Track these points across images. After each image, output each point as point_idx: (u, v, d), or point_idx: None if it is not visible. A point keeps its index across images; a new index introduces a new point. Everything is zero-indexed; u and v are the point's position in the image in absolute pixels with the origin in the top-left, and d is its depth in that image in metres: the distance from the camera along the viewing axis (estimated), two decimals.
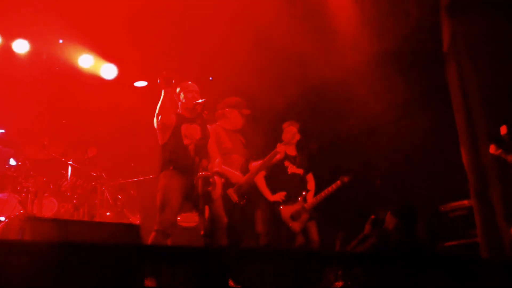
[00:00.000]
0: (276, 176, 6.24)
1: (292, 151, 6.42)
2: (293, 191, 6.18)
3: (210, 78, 8.55)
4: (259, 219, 8.28)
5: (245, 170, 5.88)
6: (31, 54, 7.58)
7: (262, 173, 6.19)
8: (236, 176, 5.53)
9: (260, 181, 6.20)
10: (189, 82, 5.18)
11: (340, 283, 5.17)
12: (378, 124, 7.90)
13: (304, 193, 6.23)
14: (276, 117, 7.98)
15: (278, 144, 5.84)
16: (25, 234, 4.81)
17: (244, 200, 5.50)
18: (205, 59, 7.85)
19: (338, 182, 6.23)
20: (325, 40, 7.24)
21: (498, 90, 5.53)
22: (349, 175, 6.26)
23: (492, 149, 5.07)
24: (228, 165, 5.50)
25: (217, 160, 5.15)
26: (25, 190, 6.59)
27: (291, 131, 6.34)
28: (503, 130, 4.94)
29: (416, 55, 6.96)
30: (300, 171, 6.35)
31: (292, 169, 6.29)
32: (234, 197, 5.48)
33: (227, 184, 5.43)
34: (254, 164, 5.90)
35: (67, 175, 7.13)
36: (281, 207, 6.06)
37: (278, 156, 5.82)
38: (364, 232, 5.75)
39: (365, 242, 5.82)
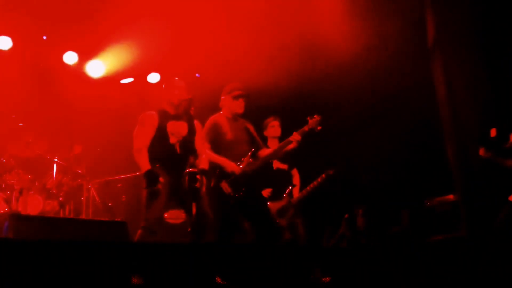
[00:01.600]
0: (261, 172, 6.20)
1: (276, 146, 6.37)
2: (279, 186, 6.15)
3: (197, 75, 8.53)
4: None
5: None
6: (14, 50, 7.50)
7: None
8: (231, 165, 5.12)
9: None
10: (176, 78, 5.13)
11: (327, 278, 5.19)
12: (364, 118, 7.94)
13: (290, 188, 6.21)
14: (264, 112, 7.99)
15: (294, 133, 5.36)
16: (10, 232, 4.78)
17: (241, 193, 5.07)
18: (193, 55, 7.84)
19: (323, 176, 6.21)
20: (313, 36, 7.25)
21: (482, 84, 5.58)
22: (333, 168, 6.24)
23: (482, 151, 5.11)
24: (230, 156, 5.17)
25: (203, 156, 5.09)
26: (9, 187, 6.54)
27: (274, 125, 6.29)
28: (493, 132, 4.98)
29: (402, 50, 7.00)
30: (284, 166, 6.32)
31: (276, 164, 6.25)
32: (227, 189, 5.08)
33: (222, 174, 5.13)
34: (263, 152, 5.44)
35: (53, 172, 7.09)
36: (268, 203, 6.04)
37: (292, 145, 5.35)
38: (340, 231, 5.80)
39: (342, 241, 5.88)
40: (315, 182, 6.22)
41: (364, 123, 7.95)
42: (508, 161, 5.09)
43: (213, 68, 7.79)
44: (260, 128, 6.33)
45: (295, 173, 6.48)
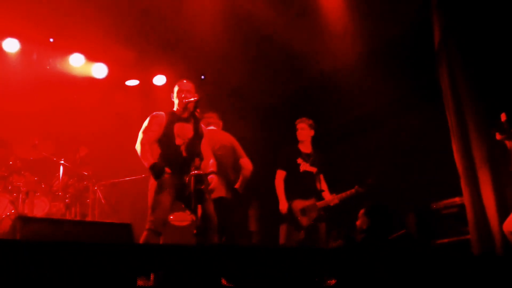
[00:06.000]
0: (288, 173, 6.20)
1: (307, 149, 6.37)
2: (305, 188, 6.15)
3: (202, 77, 8.54)
4: (252, 217, 8.26)
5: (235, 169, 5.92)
6: (22, 52, 7.53)
7: (282, 175, 6.20)
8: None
9: (279, 184, 6.19)
10: (184, 80, 5.14)
11: (333, 281, 5.16)
12: (370, 122, 7.93)
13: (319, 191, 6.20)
14: (267, 113, 8.00)
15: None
16: (17, 234, 4.79)
17: (203, 186, 4.73)
18: (198, 57, 7.85)
19: (353, 191, 6.07)
20: (318, 39, 7.25)
21: (489, 87, 5.56)
22: (364, 186, 6.11)
23: (498, 136, 5.06)
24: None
25: (211, 160, 5.08)
26: (16, 189, 6.56)
27: (303, 128, 6.29)
28: (503, 117, 4.96)
29: (408, 53, 6.98)
30: (313, 169, 6.29)
31: (304, 166, 6.22)
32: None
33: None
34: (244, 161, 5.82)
35: (59, 174, 7.10)
36: (294, 201, 6.05)
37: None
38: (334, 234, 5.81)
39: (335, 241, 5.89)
40: (343, 194, 6.15)
41: (371, 126, 7.93)
42: None
43: (219, 70, 7.81)
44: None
45: (322, 178, 6.45)
